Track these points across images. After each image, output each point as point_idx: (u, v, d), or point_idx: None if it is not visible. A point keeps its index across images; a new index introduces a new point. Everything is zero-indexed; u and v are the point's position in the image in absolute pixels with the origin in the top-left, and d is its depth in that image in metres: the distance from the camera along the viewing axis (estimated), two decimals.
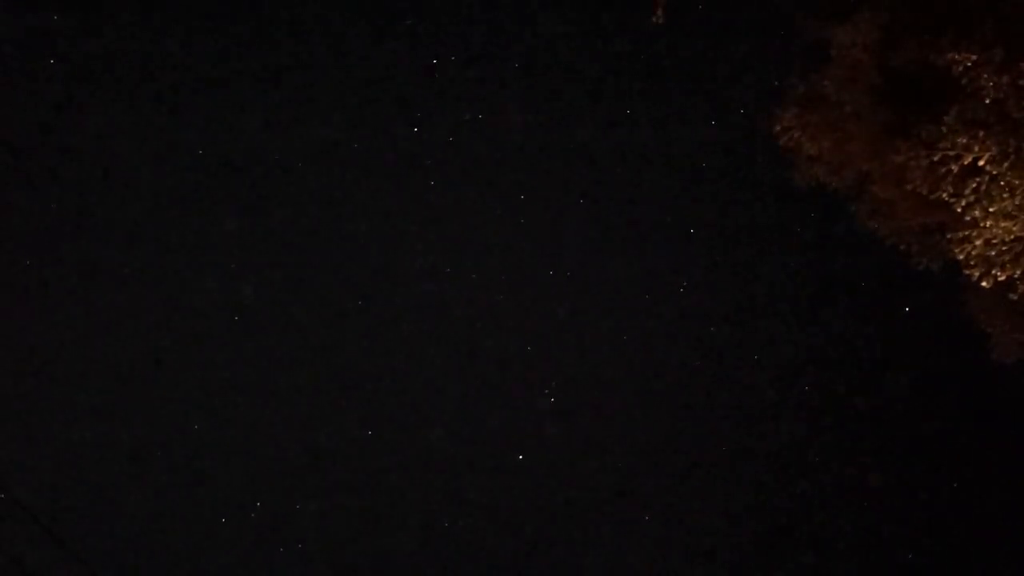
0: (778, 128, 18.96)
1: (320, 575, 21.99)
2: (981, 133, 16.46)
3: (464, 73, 22.24)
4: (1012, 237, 16.82)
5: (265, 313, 22.22)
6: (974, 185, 16.67)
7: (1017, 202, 16.51)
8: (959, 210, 16.89)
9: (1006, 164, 16.41)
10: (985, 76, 16.44)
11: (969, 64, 16.54)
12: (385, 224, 22.32)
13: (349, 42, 22.02)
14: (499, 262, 22.36)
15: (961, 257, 17.29)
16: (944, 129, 16.69)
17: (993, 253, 17.01)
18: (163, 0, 21.67)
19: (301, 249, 22.33)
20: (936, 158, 16.82)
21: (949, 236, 17.47)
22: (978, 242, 16.99)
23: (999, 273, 17.12)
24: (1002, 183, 16.52)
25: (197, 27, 21.59)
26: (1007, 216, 16.63)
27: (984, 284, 17.35)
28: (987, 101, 16.47)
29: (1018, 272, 17.11)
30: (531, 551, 21.94)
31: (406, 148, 22.31)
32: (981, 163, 16.52)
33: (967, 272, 17.43)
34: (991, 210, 16.66)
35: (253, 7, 21.75)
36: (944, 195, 16.96)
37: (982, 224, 16.84)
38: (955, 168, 16.74)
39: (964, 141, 16.52)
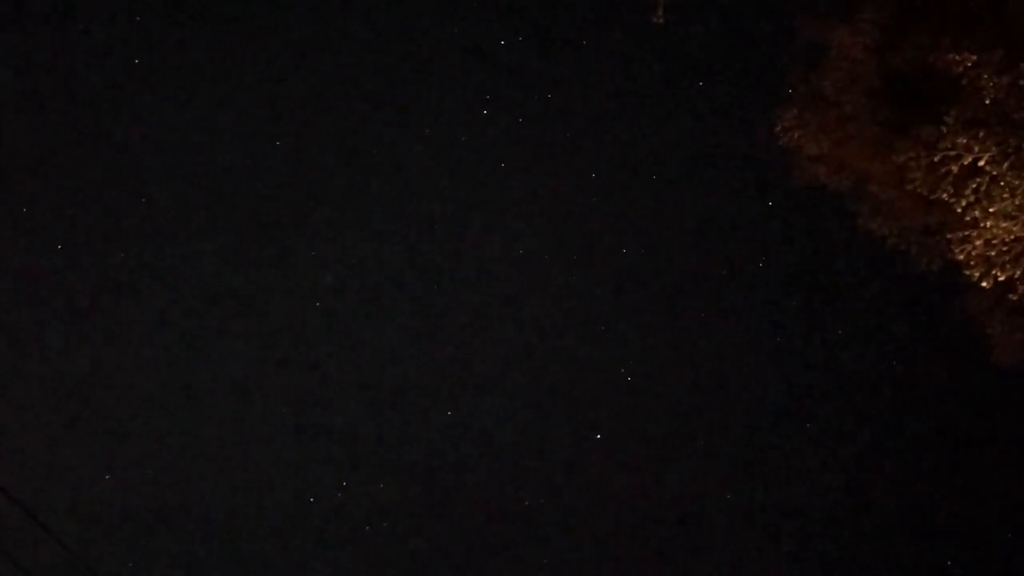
0: (778, 128, 18.96)
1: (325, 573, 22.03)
2: (981, 133, 16.46)
3: (461, 73, 22.28)
4: (1012, 237, 16.81)
5: (259, 315, 22.31)
6: (974, 185, 16.66)
7: (1017, 202, 16.51)
8: (959, 210, 16.89)
9: (1006, 164, 16.41)
10: (985, 76, 16.44)
11: (969, 64, 16.55)
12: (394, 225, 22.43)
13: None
14: (500, 260, 22.41)
15: (961, 257, 17.28)
16: (944, 129, 16.69)
17: (993, 253, 17.01)
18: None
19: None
20: (936, 158, 16.82)
21: (949, 236, 17.47)
22: (978, 242, 16.99)
23: (999, 273, 17.11)
24: (1002, 183, 16.52)
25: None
26: (1007, 216, 16.63)
27: (984, 284, 17.35)
28: (987, 101, 16.47)
29: (1018, 272, 17.11)
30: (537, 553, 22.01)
31: (404, 150, 22.37)
32: (981, 163, 16.52)
33: (967, 272, 17.43)
34: (991, 210, 16.66)
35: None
36: (944, 195, 16.96)
37: (982, 224, 16.84)
38: (955, 168, 16.74)
39: (964, 141, 16.52)
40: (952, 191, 16.90)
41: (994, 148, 16.43)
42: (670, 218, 22.14)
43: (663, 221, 22.13)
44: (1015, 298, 17.48)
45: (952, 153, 16.69)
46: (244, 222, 22.20)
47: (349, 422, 22.20)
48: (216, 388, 22.09)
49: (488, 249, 22.35)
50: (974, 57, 16.51)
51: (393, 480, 22.04)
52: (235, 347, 22.17)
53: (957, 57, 16.61)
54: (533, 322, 22.30)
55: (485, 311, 22.35)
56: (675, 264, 22.16)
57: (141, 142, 22.12)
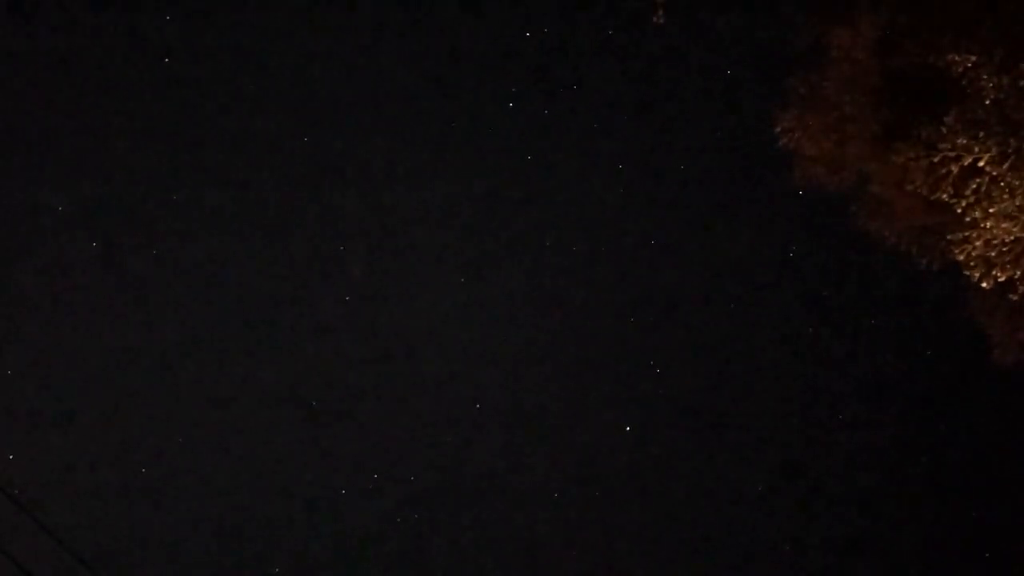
0: (778, 129, 18.97)
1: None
2: (981, 134, 16.47)
3: (461, 73, 22.28)
4: (1012, 238, 16.82)
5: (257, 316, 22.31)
6: (974, 186, 16.68)
7: (1017, 203, 16.52)
8: (959, 211, 16.90)
9: (1006, 165, 16.42)
10: (985, 77, 16.45)
11: (969, 65, 16.55)
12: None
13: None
14: (502, 260, 22.44)
15: (961, 258, 17.29)
16: (944, 130, 16.70)
17: (993, 254, 17.02)
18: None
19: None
20: (936, 159, 16.83)
21: (949, 237, 17.48)
22: (978, 243, 16.99)
23: (999, 274, 17.12)
24: (1002, 184, 16.53)
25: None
26: (1007, 217, 16.64)
27: (984, 285, 17.36)
28: (987, 102, 16.47)
29: (1018, 273, 17.12)
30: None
31: (423, 148, 22.39)
32: (981, 164, 16.53)
33: (967, 273, 17.44)
34: (991, 211, 16.67)
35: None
36: (944, 196, 16.97)
37: (982, 225, 16.85)
38: (955, 169, 16.75)
39: (964, 142, 16.52)
40: (952, 191, 16.91)
41: (994, 148, 16.44)
42: (668, 219, 22.17)
43: (661, 222, 22.16)
44: (1015, 298, 17.49)
45: (952, 153, 16.69)
46: (263, 218, 22.24)
47: (370, 416, 22.22)
48: (225, 385, 22.12)
49: (509, 245, 22.38)
50: (974, 57, 16.51)
51: (419, 474, 22.09)
52: (245, 343, 22.21)
53: (957, 57, 16.61)
54: (551, 319, 22.33)
55: (511, 303, 22.40)
56: (673, 264, 22.18)
57: (160, 140, 22.15)
